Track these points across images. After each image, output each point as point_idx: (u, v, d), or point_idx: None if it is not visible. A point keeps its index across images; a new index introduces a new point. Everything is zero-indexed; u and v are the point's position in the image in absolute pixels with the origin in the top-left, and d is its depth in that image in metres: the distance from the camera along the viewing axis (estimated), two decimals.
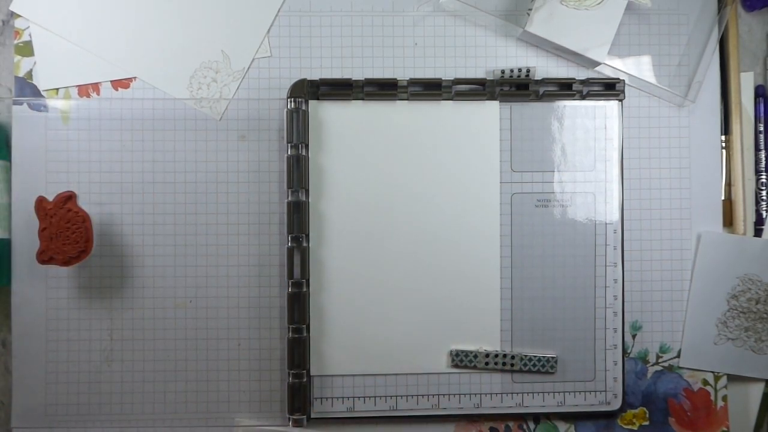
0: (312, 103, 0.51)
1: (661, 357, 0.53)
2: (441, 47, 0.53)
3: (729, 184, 0.54)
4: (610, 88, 0.52)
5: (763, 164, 0.54)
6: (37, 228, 0.47)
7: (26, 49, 0.51)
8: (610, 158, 0.52)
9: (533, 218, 0.52)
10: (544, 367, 0.51)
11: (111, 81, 0.52)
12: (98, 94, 0.52)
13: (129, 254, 0.51)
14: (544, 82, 0.52)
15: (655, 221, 0.53)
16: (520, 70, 0.52)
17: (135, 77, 0.52)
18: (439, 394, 0.51)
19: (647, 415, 0.53)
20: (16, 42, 0.52)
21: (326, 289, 0.51)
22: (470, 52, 0.53)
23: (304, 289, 0.50)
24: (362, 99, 0.51)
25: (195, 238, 0.51)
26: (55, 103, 0.51)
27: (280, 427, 0.51)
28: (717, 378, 0.53)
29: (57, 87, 0.51)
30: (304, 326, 0.50)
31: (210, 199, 0.52)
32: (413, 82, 0.51)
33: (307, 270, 0.50)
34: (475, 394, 0.51)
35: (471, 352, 0.51)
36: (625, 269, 0.52)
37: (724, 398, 0.53)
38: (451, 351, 0.51)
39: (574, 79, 0.52)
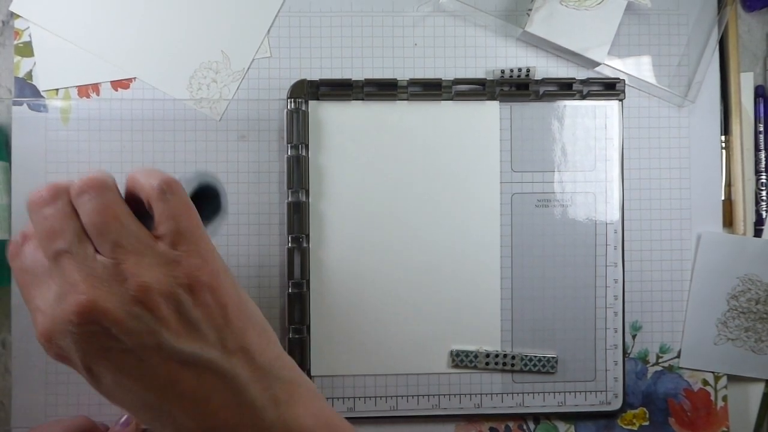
0: (312, 103, 0.51)
1: (661, 357, 0.53)
2: (441, 47, 0.53)
3: (729, 184, 0.54)
4: (611, 88, 0.52)
5: (763, 164, 0.54)
6: None
7: (26, 50, 0.51)
8: (610, 158, 0.52)
9: (533, 218, 0.52)
10: (544, 367, 0.51)
11: (111, 81, 0.52)
12: (98, 94, 0.52)
13: None
14: (544, 82, 0.52)
15: (655, 221, 0.53)
16: (520, 70, 0.52)
17: (135, 78, 0.52)
18: (439, 394, 0.51)
19: (647, 416, 0.53)
20: (15, 42, 0.51)
21: (326, 290, 0.51)
22: (470, 52, 0.53)
23: (305, 290, 0.50)
24: (362, 99, 0.51)
25: None
26: (55, 104, 0.51)
27: None
28: (717, 378, 0.53)
29: (57, 87, 0.51)
30: (305, 327, 0.50)
31: None
32: (413, 82, 0.51)
33: (308, 270, 0.50)
34: (476, 394, 0.51)
35: (471, 352, 0.51)
36: (625, 269, 0.52)
37: (724, 398, 0.53)
38: (451, 351, 0.51)
39: (574, 79, 0.52)
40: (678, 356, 0.53)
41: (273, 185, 0.52)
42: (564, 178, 0.52)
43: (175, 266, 0.30)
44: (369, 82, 0.51)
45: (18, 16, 0.51)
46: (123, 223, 0.30)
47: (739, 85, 0.54)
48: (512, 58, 0.53)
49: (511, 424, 0.52)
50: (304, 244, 0.50)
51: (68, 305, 0.29)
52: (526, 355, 0.51)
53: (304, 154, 0.50)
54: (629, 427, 0.53)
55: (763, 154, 0.54)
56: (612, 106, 0.52)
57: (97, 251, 0.30)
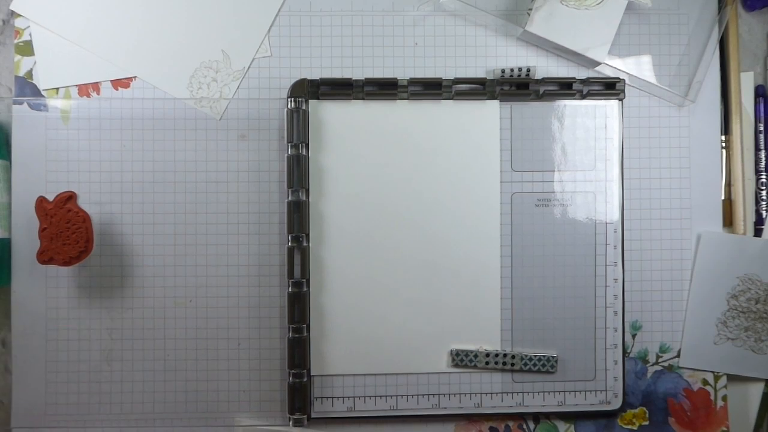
0: (312, 102, 0.51)
1: (661, 357, 0.53)
2: (441, 47, 0.53)
3: (729, 184, 0.54)
4: (611, 88, 0.52)
5: (763, 164, 0.54)
6: (37, 228, 0.47)
7: (26, 49, 0.51)
8: (610, 158, 0.52)
9: (533, 218, 0.52)
10: (544, 367, 0.51)
11: (111, 81, 0.52)
12: (98, 93, 0.52)
13: (129, 254, 0.51)
14: (545, 81, 0.52)
15: (655, 221, 0.53)
16: (520, 69, 0.52)
17: (135, 77, 0.52)
18: (439, 394, 0.51)
19: (647, 415, 0.53)
20: (16, 41, 0.51)
21: (326, 289, 0.51)
22: (470, 51, 0.53)
23: (305, 289, 0.50)
24: (362, 99, 0.51)
25: (195, 238, 0.51)
26: (55, 103, 0.51)
27: (281, 427, 0.51)
28: (717, 378, 0.53)
29: (57, 86, 0.51)
30: (305, 326, 0.50)
31: (210, 199, 0.52)
32: (413, 81, 0.51)
33: (308, 270, 0.50)
34: (476, 394, 0.51)
35: (471, 351, 0.51)
36: (625, 269, 0.52)
37: (724, 398, 0.53)
38: (451, 351, 0.51)
39: (574, 78, 0.52)
40: (678, 356, 0.53)
41: (273, 184, 0.52)
42: (564, 177, 0.52)
43: None
44: (369, 82, 0.51)
45: (18, 15, 0.51)
46: None
47: (739, 84, 0.54)
48: (512, 57, 0.53)
49: (511, 424, 0.52)
50: (304, 244, 0.50)
51: None
52: (526, 355, 0.51)
53: (304, 153, 0.50)
54: (629, 427, 0.53)
55: (763, 154, 0.54)
56: (612, 105, 0.52)
57: None
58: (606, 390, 0.52)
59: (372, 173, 0.51)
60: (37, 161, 0.51)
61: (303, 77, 0.51)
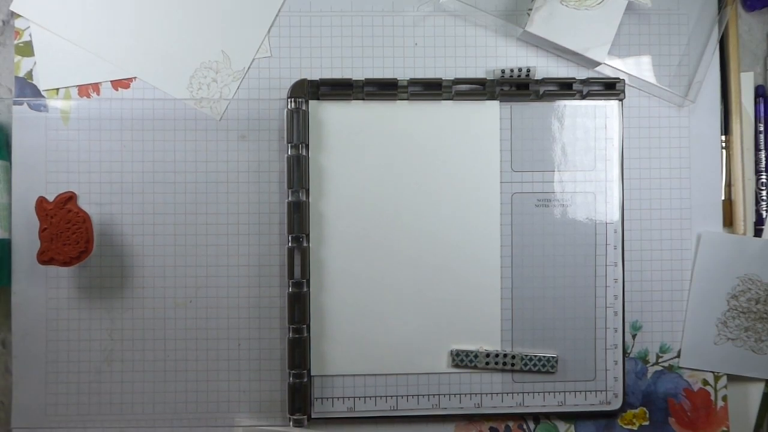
0: (312, 103, 0.51)
1: (661, 357, 0.53)
2: (441, 47, 0.53)
3: (729, 184, 0.54)
4: (610, 88, 0.52)
5: (763, 164, 0.54)
6: (37, 228, 0.47)
7: (26, 49, 0.51)
8: (610, 158, 0.52)
9: (533, 218, 0.52)
10: (544, 367, 0.51)
11: (111, 81, 0.52)
12: (98, 94, 0.52)
13: (129, 254, 0.51)
14: (544, 81, 0.52)
15: (655, 221, 0.53)
16: (520, 69, 0.52)
17: (135, 77, 0.52)
18: (439, 394, 0.51)
19: (647, 415, 0.53)
20: (16, 42, 0.52)
21: (326, 289, 0.51)
22: (470, 52, 0.53)
23: (305, 289, 0.50)
24: (362, 99, 0.51)
25: (195, 238, 0.51)
26: (56, 103, 0.51)
27: (281, 428, 0.51)
28: (717, 378, 0.53)
29: (57, 87, 0.51)
30: (305, 326, 0.50)
31: (210, 199, 0.52)
32: (413, 82, 0.51)
33: (308, 270, 0.50)
34: (476, 394, 0.51)
35: (471, 352, 0.51)
36: (625, 269, 0.52)
37: (724, 398, 0.53)
38: (451, 351, 0.51)
39: (574, 78, 0.52)
40: (678, 356, 0.53)
41: (273, 185, 0.52)
42: (564, 177, 0.52)
43: None
44: (369, 82, 0.51)
45: (18, 15, 0.51)
46: None
47: (739, 84, 0.54)
48: (512, 57, 0.53)
49: (511, 424, 0.52)
50: (305, 244, 0.50)
51: None
52: (526, 355, 0.51)
53: (304, 153, 0.50)
54: (629, 427, 0.53)
55: (763, 154, 0.54)
56: (612, 106, 0.52)
57: None
58: (606, 390, 0.52)
59: (372, 173, 0.51)
60: (37, 162, 0.51)
61: (303, 77, 0.51)
